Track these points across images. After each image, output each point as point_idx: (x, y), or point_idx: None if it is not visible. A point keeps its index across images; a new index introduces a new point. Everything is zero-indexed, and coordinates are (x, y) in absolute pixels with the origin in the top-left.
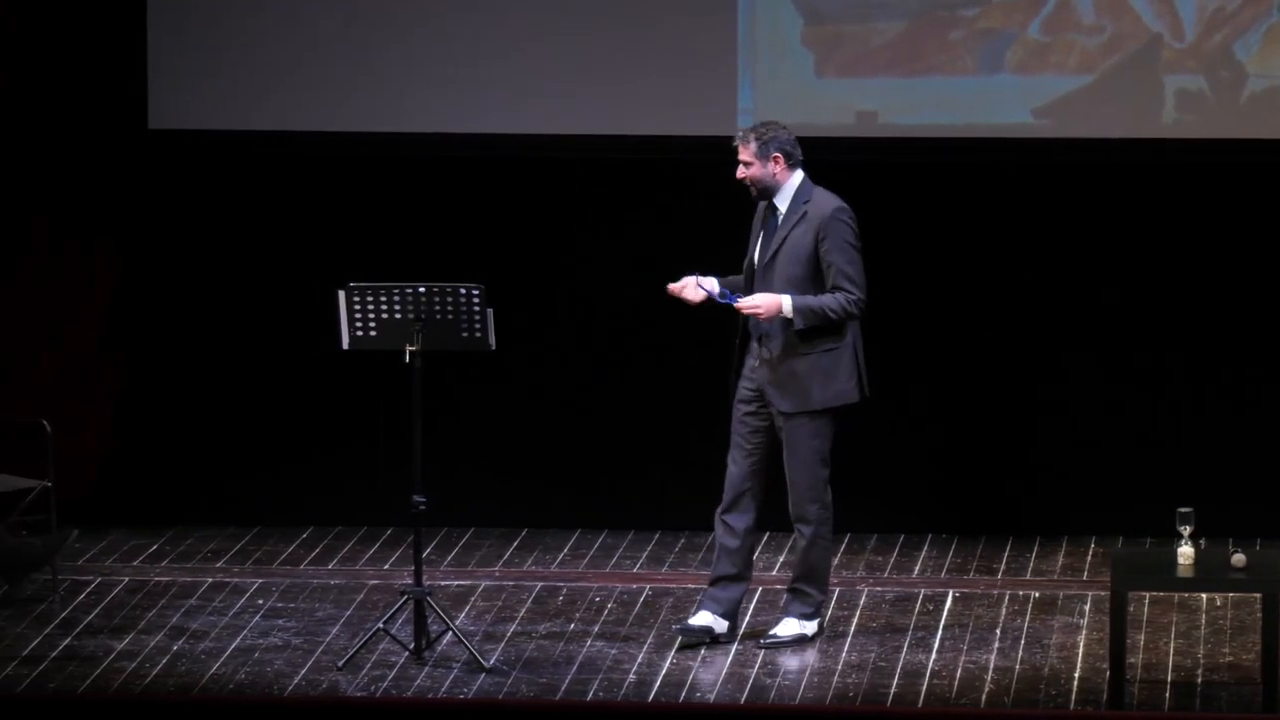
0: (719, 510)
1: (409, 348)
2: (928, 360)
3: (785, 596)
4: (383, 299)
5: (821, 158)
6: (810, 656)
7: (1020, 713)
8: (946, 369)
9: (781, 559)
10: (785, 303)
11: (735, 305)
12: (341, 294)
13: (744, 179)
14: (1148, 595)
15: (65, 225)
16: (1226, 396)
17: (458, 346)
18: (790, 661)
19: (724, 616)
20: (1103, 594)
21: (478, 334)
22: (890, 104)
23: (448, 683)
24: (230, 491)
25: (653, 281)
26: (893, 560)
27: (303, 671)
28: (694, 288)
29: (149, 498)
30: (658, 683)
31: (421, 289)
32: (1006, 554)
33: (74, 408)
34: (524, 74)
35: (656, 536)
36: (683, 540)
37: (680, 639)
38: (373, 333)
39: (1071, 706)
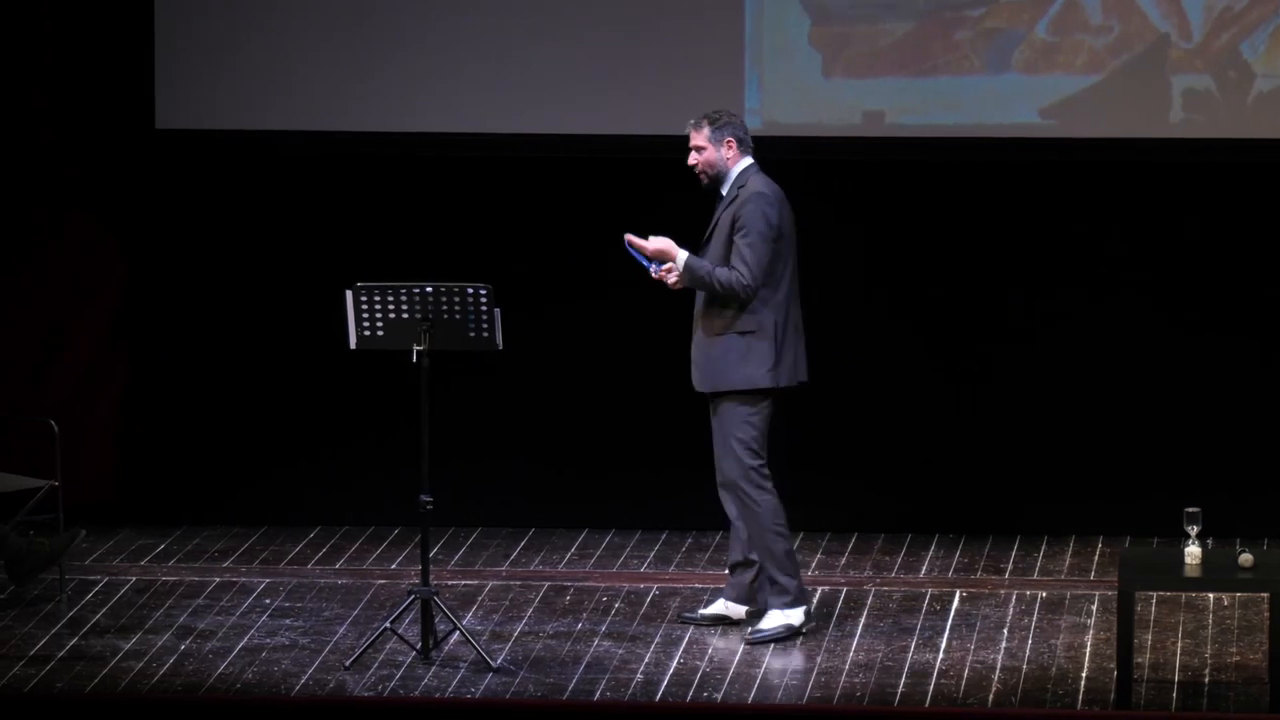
0: (721, 496)
1: (416, 347)
2: (934, 358)
3: (759, 591)
4: (390, 299)
5: (829, 158)
6: (817, 656)
7: (1027, 712)
8: (953, 367)
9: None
10: (680, 256)
11: (628, 237)
12: (349, 294)
13: (695, 165)
14: (1155, 595)
15: (72, 225)
16: (1235, 395)
17: (465, 346)
18: (796, 661)
19: (738, 601)
20: (1110, 593)
21: (485, 334)
22: (898, 104)
23: (455, 682)
24: (237, 491)
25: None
26: (900, 560)
27: (310, 671)
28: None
29: (156, 498)
30: (665, 682)
31: (429, 289)
32: (1013, 553)
33: (81, 407)
34: (531, 74)
35: (664, 536)
36: (690, 539)
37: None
38: (380, 332)
39: (1079, 706)
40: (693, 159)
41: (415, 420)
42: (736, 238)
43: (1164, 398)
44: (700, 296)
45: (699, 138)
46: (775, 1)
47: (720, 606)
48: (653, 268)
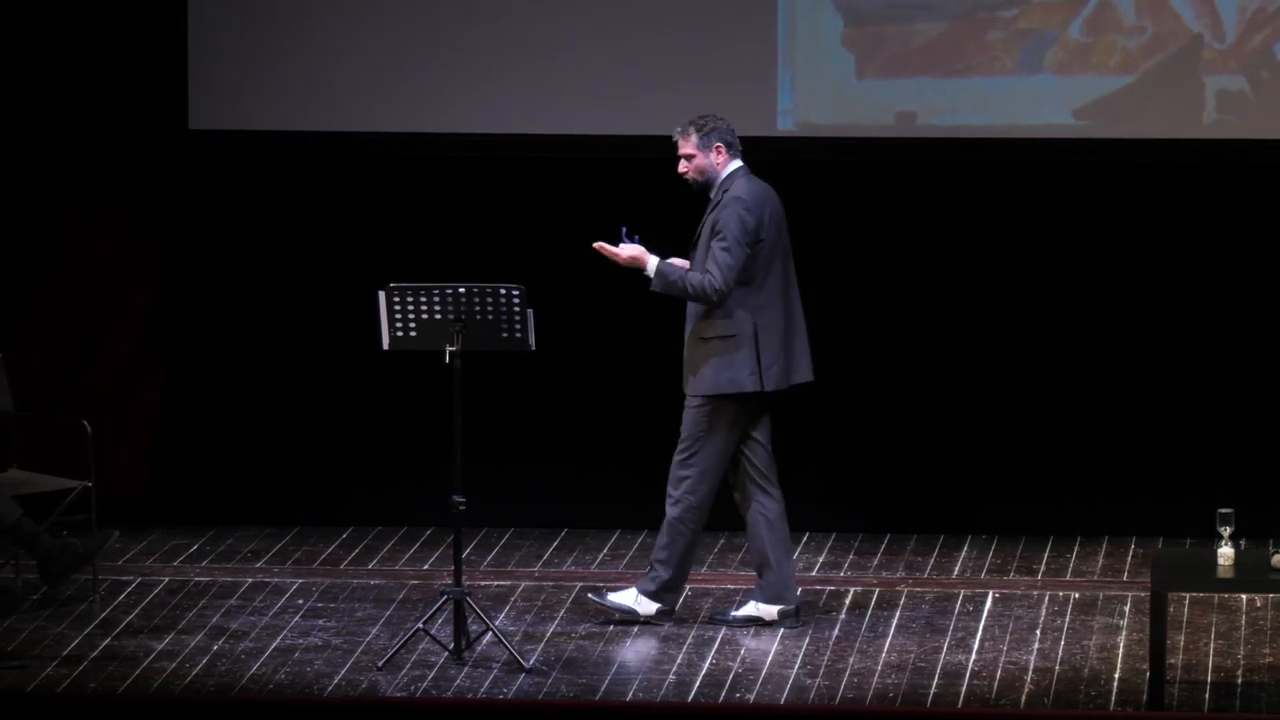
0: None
1: (449, 348)
2: (969, 358)
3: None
4: (423, 299)
5: (861, 158)
6: (850, 657)
7: (1060, 714)
8: (987, 368)
9: (822, 559)
10: (651, 262)
11: (598, 246)
12: (382, 294)
13: (686, 173)
14: (1188, 596)
15: (106, 226)
16: (1268, 397)
17: (498, 347)
18: (829, 662)
19: (772, 601)
20: (1143, 595)
21: (518, 334)
22: (930, 105)
23: (487, 683)
24: (270, 492)
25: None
26: (932, 561)
27: (342, 672)
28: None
29: (189, 498)
30: (697, 683)
31: (461, 289)
32: (1046, 554)
33: (115, 408)
34: (564, 75)
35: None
36: (722, 540)
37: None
38: (413, 333)
39: (1111, 707)
40: (683, 167)
41: (448, 421)
42: (713, 242)
43: (1199, 399)
44: (687, 305)
45: (687, 145)
46: (808, 2)
47: (752, 608)
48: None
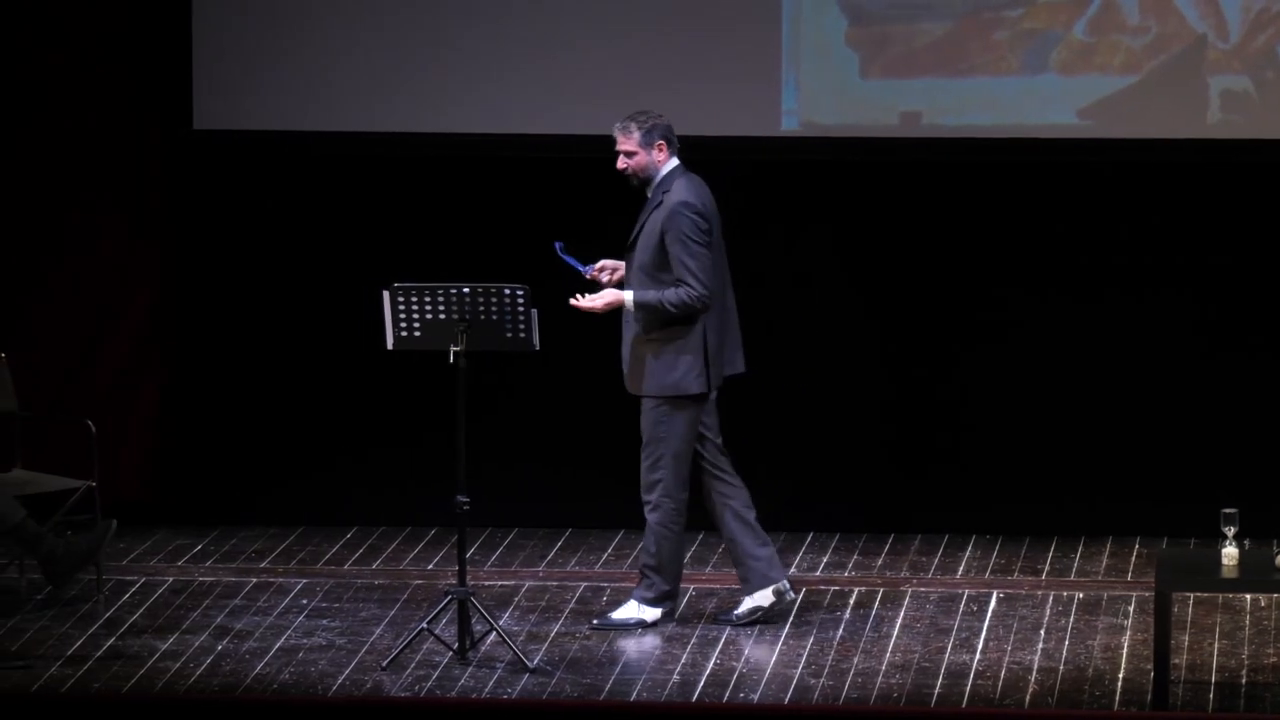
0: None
1: (453, 348)
2: (971, 359)
3: (769, 568)
4: (427, 299)
5: (866, 159)
6: (854, 656)
7: (1064, 713)
8: (991, 368)
9: (826, 559)
10: (627, 299)
11: (574, 303)
12: (386, 294)
13: (625, 169)
14: (1192, 596)
15: (107, 226)
16: (1272, 397)
17: (502, 347)
18: (833, 662)
19: (762, 587)
20: (1147, 595)
21: (522, 334)
22: (935, 105)
23: (491, 683)
24: (274, 491)
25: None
26: (936, 561)
27: (346, 671)
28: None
29: (193, 498)
30: (701, 683)
31: (466, 289)
32: (1051, 554)
33: (119, 408)
34: (566, 75)
35: (700, 537)
36: None
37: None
38: (417, 333)
39: (1115, 707)
40: (622, 163)
41: (452, 420)
42: (673, 251)
43: (1202, 399)
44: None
45: (629, 142)
46: (813, 2)
47: (749, 603)
48: (587, 270)
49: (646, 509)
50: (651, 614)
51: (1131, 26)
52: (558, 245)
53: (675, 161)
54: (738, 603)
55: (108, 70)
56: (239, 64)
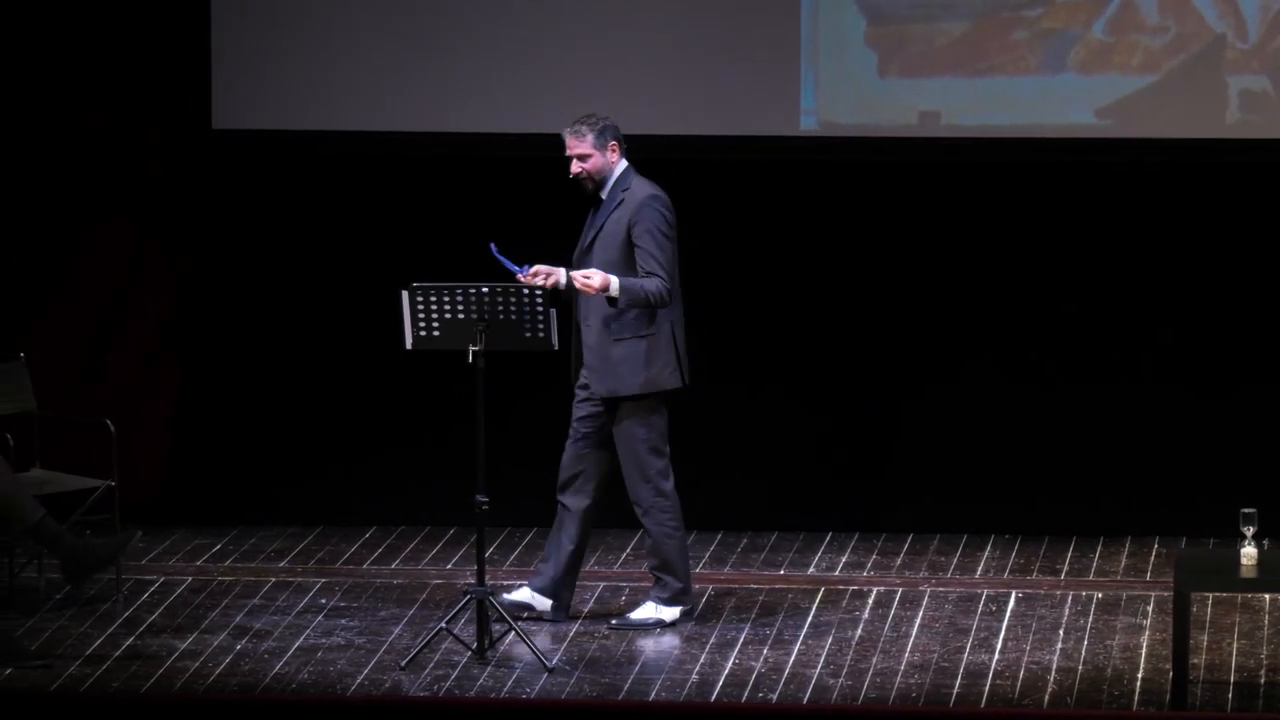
0: (556, 491)
1: (472, 347)
2: (993, 360)
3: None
4: (446, 299)
5: (884, 158)
6: (873, 657)
7: (1083, 713)
8: (1011, 369)
9: (845, 559)
10: (613, 281)
11: (573, 279)
12: (405, 294)
13: (581, 173)
14: (1211, 596)
15: (129, 225)
16: None
17: (520, 346)
18: (852, 662)
19: (544, 594)
20: (1166, 594)
21: (540, 334)
22: (953, 104)
23: (510, 682)
24: (293, 491)
25: (718, 278)
26: (955, 560)
27: (365, 671)
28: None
29: (212, 497)
30: (720, 682)
31: (484, 289)
32: (1070, 554)
33: (138, 408)
34: (584, 74)
35: (719, 537)
36: (745, 540)
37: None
38: (436, 332)
39: (1134, 707)
40: (576, 168)
41: (471, 420)
42: (642, 243)
43: (1222, 399)
44: (588, 301)
45: (582, 145)
46: (831, 2)
47: (526, 594)
48: (522, 271)
49: (639, 514)
50: (670, 613)
51: (1150, 26)
52: (492, 246)
53: (625, 162)
54: (639, 604)
55: (125, 71)
56: (259, 64)
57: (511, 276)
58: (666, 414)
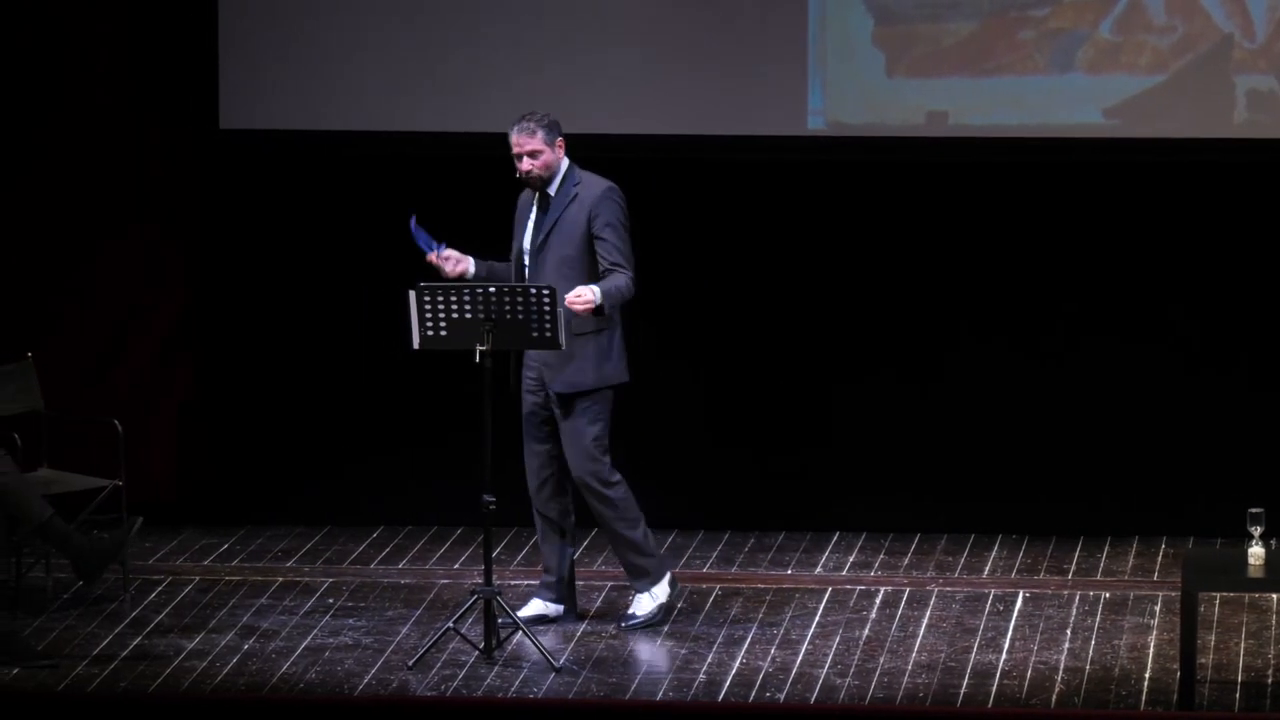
0: (532, 500)
1: (479, 347)
2: (998, 358)
3: (629, 580)
4: (453, 299)
5: (892, 158)
6: (880, 656)
7: (1090, 714)
8: (1017, 367)
9: (852, 559)
10: (597, 293)
11: (571, 304)
12: (412, 294)
13: (532, 170)
14: (1218, 596)
15: (137, 225)
16: None
17: (528, 346)
18: (859, 662)
19: (554, 602)
20: (1173, 594)
21: (548, 334)
22: (961, 104)
23: (517, 682)
24: (300, 491)
25: (724, 278)
26: (963, 560)
27: (373, 671)
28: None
29: (220, 497)
30: (728, 682)
31: (492, 289)
32: (1077, 554)
33: (146, 407)
34: (593, 75)
35: (726, 536)
36: (752, 540)
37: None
38: (443, 332)
39: (1142, 707)
40: (527, 165)
41: (478, 420)
42: (605, 235)
43: (1229, 398)
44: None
45: (533, 142)
46: (838, 2)
47: (539, 607)
48: (439, 248)
49: (596, 504)
50: (663, 592)
51: (1158, 26)
52: (412, 219)
53: (567, 160)
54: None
55: (133, 71)
56: (267, 63)
57: (422, 254)
58: (613, 409)
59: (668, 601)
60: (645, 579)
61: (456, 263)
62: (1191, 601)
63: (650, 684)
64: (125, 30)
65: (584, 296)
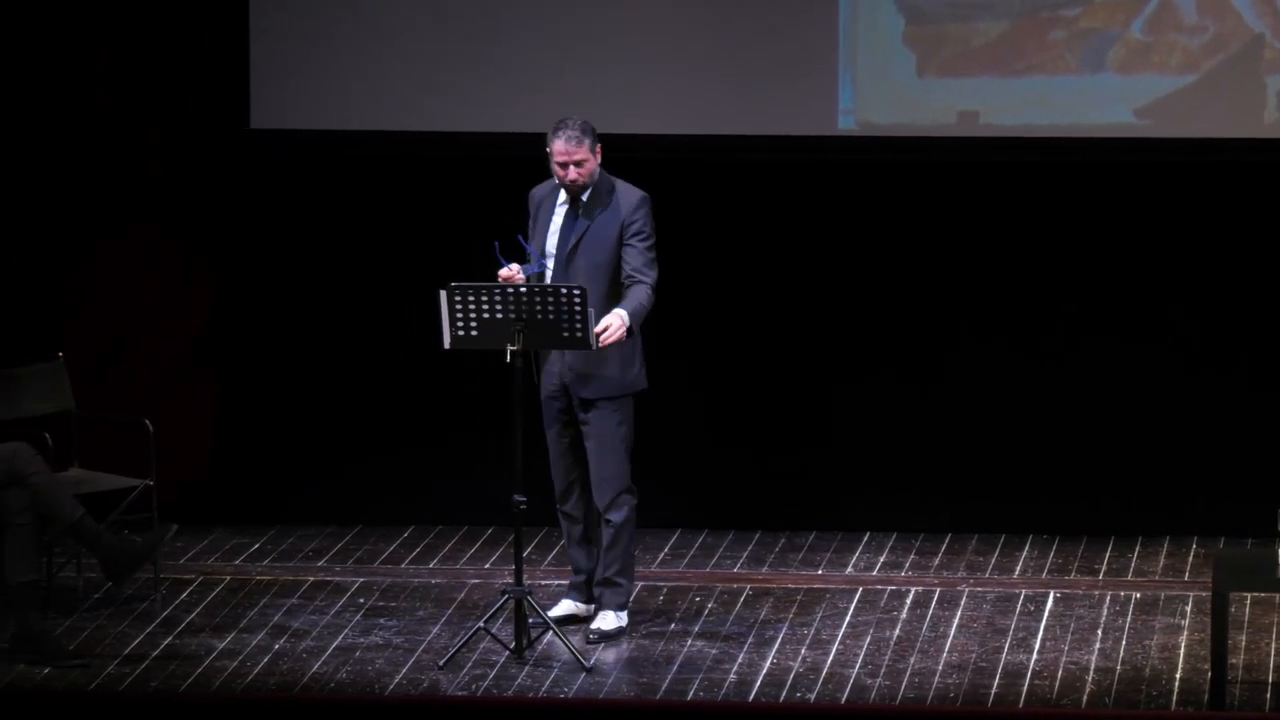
0: (557, 504)
1: (510, 347)
2: (1029, 358)
3: (598, 590)
4: (484, 299)
5: (923, 158)
6: (911, 657)
7: (1121, 714)
8: (1049, 367)
9: (883, 559)
10: (626, 319)
11: (600, 341)
12: (443, 294)
13: (579, 178)
14: (1249, 596)
15: (166, 224)
16: None
17: (559, 346)
18: (889, 662)
19: (586, 602)
20: (1204, 594)
21: (579, 334)
22: (992, 104)
23: (548, 682)
24: (331, 490)
25: (755, 278)
26: (994, 560)
27: (403, 671)
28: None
29: (250, 497)
30: (758, 682)
31: (523, 289)
32: (1108, 554)
33: (176, 407)
34: (621, 75)
35: (757, 536)
36: (783, 540)
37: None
38: (474, 332)
39: (1173, 707)
40: (574, 174)
41: (509, 420)
42: (636, 244)
43: (1261, 398)
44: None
45: (581, 151)
46: (869, 1)
47: (570, 607)
48: (530, 269)
49: (607, 512)
50: (624, 618)
51: (1189, 26)
52: (519, 237)
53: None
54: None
55: (164, 70)
56: (297, 64)
57: (527, 260)
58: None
59: (626, 627)
60: (619, 595)
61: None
62: (1222, 602)
63: (681, 684)
64: (157, 30)
65: (613, 326)
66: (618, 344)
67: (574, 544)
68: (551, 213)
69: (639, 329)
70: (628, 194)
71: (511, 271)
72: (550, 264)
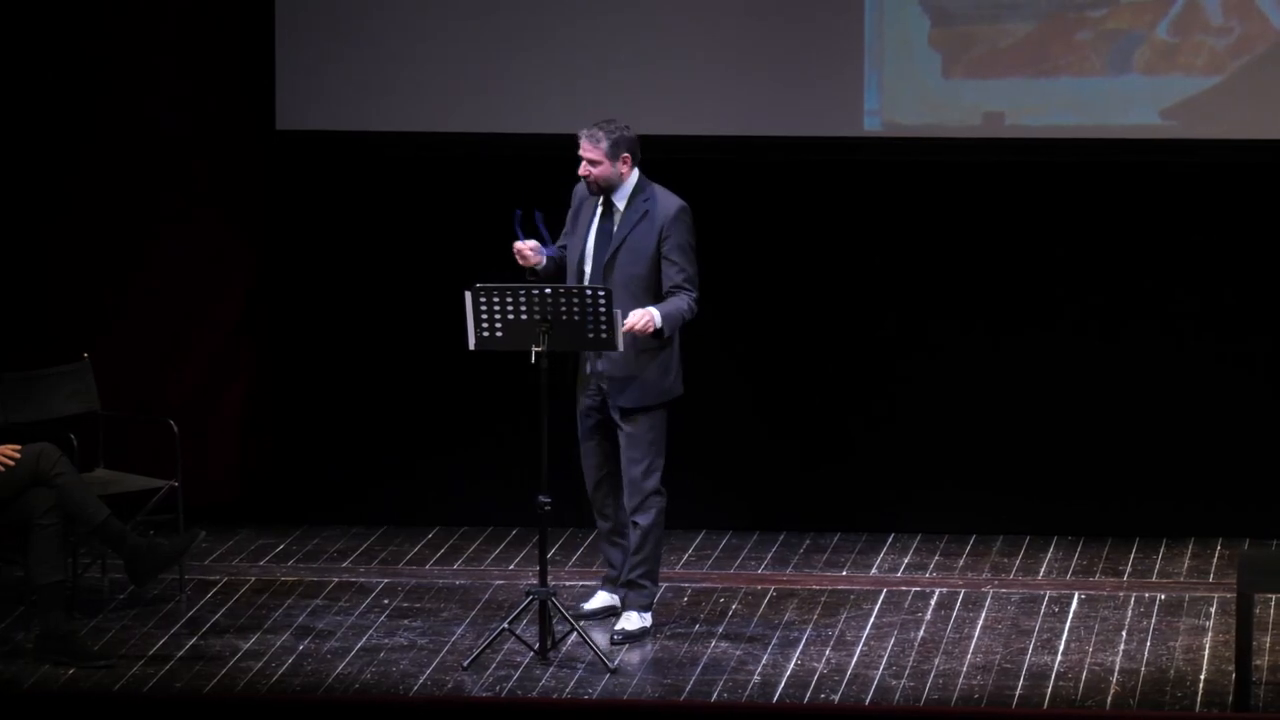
0: (591, 502)
1: (535, 348)
2: (1055, 359)
3: (622, 591)
4: (509, 300)
5: (949, 159)
6: (935, 658)
7: (1146, 714)
8: (1074, 367)
9: (907, 560)
10: (656, 317)
11: (624, 326)
12: (468, 294)
13: (589, 174)
14: (1274, 597)
15: (194, 226)
16: None
17: (584, 347)
18: (914, 663)
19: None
20: (1229, 596)
21: (604, 335)
22: (1018, 105)
23: (572, 683)
24: (356, 492)
25: (782, 279)
26: (1018, 562)
27: (428, 671)
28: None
29: (276, 498)
30: (782, 683)
31: (548, 290)
32: (1132, 555)
33: (202, 408)
34: (650, 76)
35: (781, 537)
36: (808, 541)
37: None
38: (499, 333)
39: (1197, 709)
40: (585, 170)
41: (534, 421)
42: (674, 257)
43: None
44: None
45: (595, 151)
46: (895, 2)
47: (606, 599)
48: (544, 252)
49: (635, 514)
50: (649, 619)
51: (1215, 27)
52: (537, 214)
53: (638, 171)
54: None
55: (192, 71)
56: (323, 64)
57: (540, 239)
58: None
59: (650, 627)
60: (644, 596)
61: (526, 259)
62: (1247, 603)
63: (705, 685)
64: (183, 32)
65: (644, 319)
66: (653, 351)
67: (605, 540)
68: (592, 214)
69: (677, 337)
70: (666, 204)
71: (525, 245)
72: (589, 269)
